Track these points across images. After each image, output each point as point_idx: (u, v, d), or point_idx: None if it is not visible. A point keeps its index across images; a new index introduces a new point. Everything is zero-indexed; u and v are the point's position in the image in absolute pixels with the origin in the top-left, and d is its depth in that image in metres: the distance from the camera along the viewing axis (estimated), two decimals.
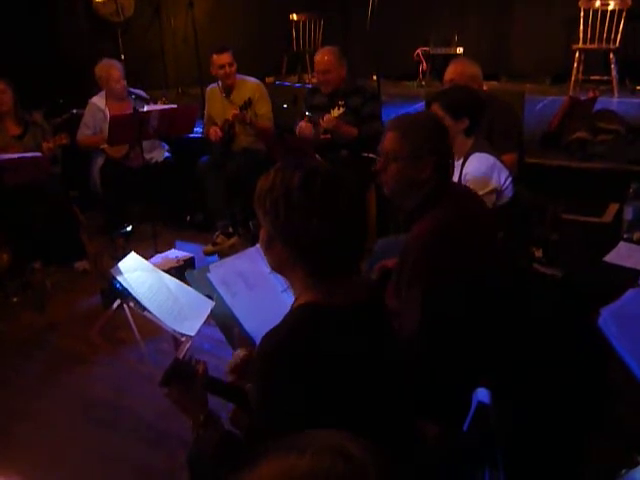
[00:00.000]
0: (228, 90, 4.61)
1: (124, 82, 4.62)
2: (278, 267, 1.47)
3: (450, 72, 3.47)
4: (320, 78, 4.24)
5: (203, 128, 4.92)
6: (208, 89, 4.79)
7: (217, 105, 4.67)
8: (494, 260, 2.21)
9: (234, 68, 4.53)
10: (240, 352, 1.76)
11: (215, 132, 4.52)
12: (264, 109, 4.59)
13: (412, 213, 2.14)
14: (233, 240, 4.41)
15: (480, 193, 2.73)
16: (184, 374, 1.56)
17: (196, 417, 1.54)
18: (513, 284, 2.53)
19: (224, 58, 4.47)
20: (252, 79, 4.72)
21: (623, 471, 1.44)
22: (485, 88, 3.71)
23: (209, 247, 4.36)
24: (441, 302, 1.94)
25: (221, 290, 2.32)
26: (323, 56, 4.20)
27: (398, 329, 1.90)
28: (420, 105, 5.14)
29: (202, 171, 4.55)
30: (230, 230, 4.46)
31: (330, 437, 0.82)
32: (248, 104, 4.38)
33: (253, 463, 0.81)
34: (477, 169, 2.74)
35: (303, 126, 4.20)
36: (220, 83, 4.61)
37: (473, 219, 2.14)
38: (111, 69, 4.61)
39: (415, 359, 1.79)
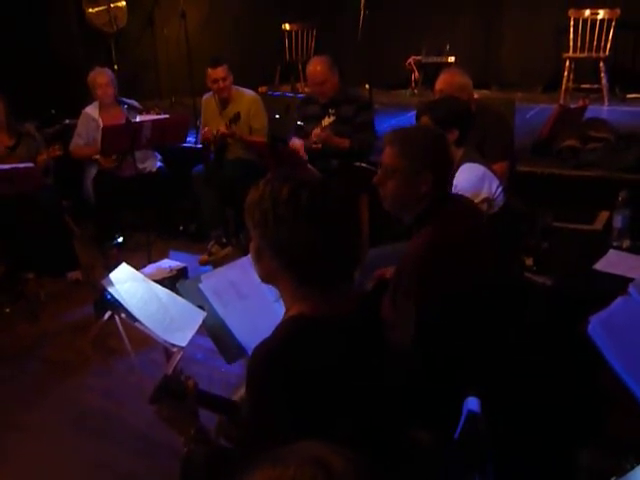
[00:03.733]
0: (224, 102, 4.59)
1: (110, 89, 4.62)
2: (268, 278, 1.48)
3: (440, 82, 3.49)
4: (315, 90, 4.24)
5: (199, 136, 4.92)
6: (204, 98, 4.78)
7: (212, 116, 4.67)
8: (491, 273, 2.21)
9: (229, 82, 4.51)
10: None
11: (206, 133, 4.50)
12: (259, 124, 4.58)
13: (411, 225, 2.14)
14: (227, 250, 4.43)
15: None
16: (174, 391, 1.56)
17: (187, 432, 1.53)
18: (504, 293, 2.54)
19: (218, 72, 4.45)
20: (249, 92, 4.70)
21: (613, 479, 1.45)
22: (476, 97, 3.73)
23: (204, 257, 4.38)
24: (435, 317, 1.94)
25: (213, 300, 2.33)
26: (315, 67, 4.19)
27: (393, 340, 1.91)
28: (412, 114, 5.16)
29: (195, 181, 4.56)
30: (224, 240, 4.46)
31: (314, 449, 0.83)
32: (236, 119, 4.37)
33: (241, 474, 0.82)
34: (468, 179, 2.75)
35: (296, 143, 4.21)
36: (216, 94, 4.60)
37: (471, 233, 2.13)
38: (97, 76, 4.62)
39: (408, 370, 1.80)
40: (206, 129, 4.55)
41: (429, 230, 2.06)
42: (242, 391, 1.74)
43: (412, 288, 1.98)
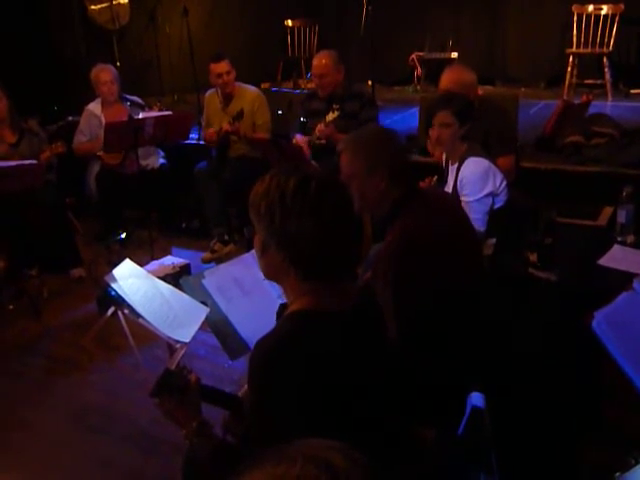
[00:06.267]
0: (227, 98, 4.58)
1: (114, 86, 4.62)
2: (272, 273, 1.48)
3: (446, 80, 3.45)
4: (317, 82, 4.27)
5: (201, 133, 4.93)
6: (207, 94, 4.77)
7: (215, 113, 4.67)
8: (474, 264, 2.20)
9: (232, 76, 4.50)
10: None
11: (211, 135, 4.53)
12: (262, 119, 4.58)
13: (383, 223, 2.15)
14: (229, 248, 4.43)
15: (478, 196, 2.76)
16: (175, 384, 1.56)
17: (189, 426, 1.53)
18: (507, 288, 2.54)
19: (221, 67, 4.44)
20: (252, 88, 4.70)
21: (617, 474, 1.44)
22: (480, 92, 3.72)
23: (207, 255, 4.37)
24: (413, 308, 1.94)
25: (216, 296, 2.33)
26: (320, 60, 4.21)
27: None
28: (415, 110, 5.16)
29: (199, 178, 4.56)
30: (226, 237, 4.47)
31: (317, 448, 0.82)
32: (240, 116, 4.38)
33: (245, 470, 0.82)
34: (473, 173, 2.76)
35: (299, 140, 4.21)
36: (219, 91, 4.60)
37: (444, 225, 2.14)
38: (100, 72, 4.63)
39: (404, 366, 1.80)
40: (210, 130, 4.55)
41: (399, 225, 2.07)
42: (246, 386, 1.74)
43: (388, 285, 1.98)
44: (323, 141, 4.15)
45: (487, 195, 2.75)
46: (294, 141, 4.27)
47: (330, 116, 4.03)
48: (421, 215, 2.09)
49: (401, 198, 2.08)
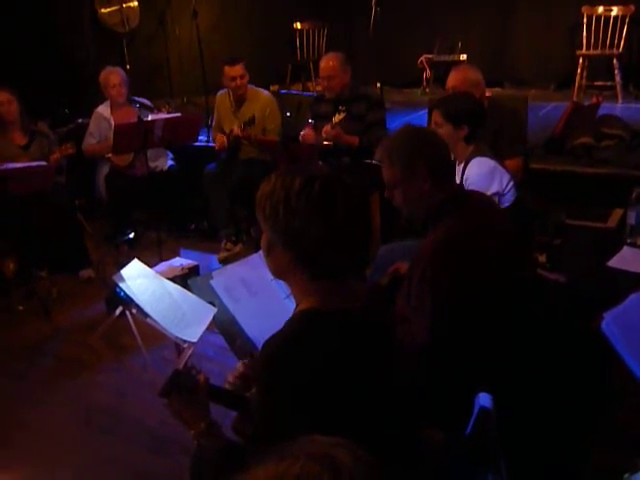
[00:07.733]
0: (239, 101, 4.59)
1: (123, 89, 4.65)
2: (279, 273, 1.47)
3: (452, 79, 3.47)
4: (324, 84, 4.27)
5: (211, 133, 4.94)
6: (218, 95, 4.77)
7: (225, 115, 4.68)
8: (508, 269, 2.19)
9: (246, 80, 4.50)
10: (240, 365, 1.76)
11: (222, 141, 4.53)
12: (273, 124, 4.58)
13: (426, 221, 2.15)
14: (238, 248, 4.44)
15: None
16: (184, 385, 1.56)
17: (197, 426, 1.53)
18: (517, 288, 2.52)
19: (236, 70, 4.44)
20: (264, 92, 4.71)
21: (626, 475, 1.43)
22: (488, 94, 3.71)
23: (223, 253, 4.39)
24: (449, 313, 1.94)
25: (224, 297, 2.32)
26: (327, 62, 4.22)
27: (407, 334, 1.90)
28: (423, 112, 5.14)
29: (207, 179, 4.57)
30: (234, 238, 4.48)
31: (320, 445, 0.82)
32: (251, 122, 4.38)
33: (248, 467, 0.82)
34: (478, 173, 2.74)
35: (306, 133, 4.21)
36: (231, 93, 4.61)
37: (488, 227, 2.14)
38: (109, 75, 4.65)
39: (424, 365, 1.79)
40: (219, 137, 4.55)
41: (446, 225, 2.06)
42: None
43: (426, 284, 1.98)
44: (330, 143, 4.15)
45: (493, 195, 2.74)
46: (301, 136, 4.26)
47: (337, 117, 4.03)
48: (465, 217, 2.09)
49: (447, 199, 2.08)
